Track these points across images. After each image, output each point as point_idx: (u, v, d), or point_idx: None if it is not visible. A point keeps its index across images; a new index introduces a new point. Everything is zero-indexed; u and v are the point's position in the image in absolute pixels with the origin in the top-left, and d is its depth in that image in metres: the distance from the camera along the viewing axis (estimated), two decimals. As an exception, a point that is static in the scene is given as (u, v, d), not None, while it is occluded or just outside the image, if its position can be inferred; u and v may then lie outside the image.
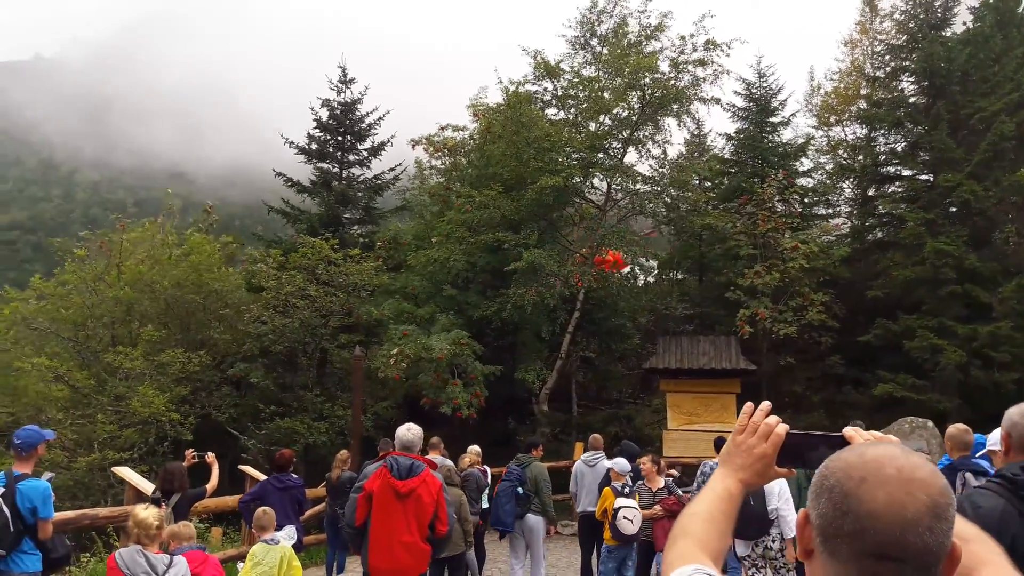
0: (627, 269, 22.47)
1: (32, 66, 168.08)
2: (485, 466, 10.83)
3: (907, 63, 23.24)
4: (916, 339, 19.12)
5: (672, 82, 20.59)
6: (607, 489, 8.67)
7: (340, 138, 24.78)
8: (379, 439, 12.01)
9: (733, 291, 19.74)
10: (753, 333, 19.30)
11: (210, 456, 7.97)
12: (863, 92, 26.50)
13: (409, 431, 6.20)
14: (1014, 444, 2.89)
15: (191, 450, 8.18)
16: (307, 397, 20.10)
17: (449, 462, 9.31)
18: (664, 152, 22.11)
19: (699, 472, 8.83)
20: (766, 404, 1.65)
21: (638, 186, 21.26)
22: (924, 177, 22.60)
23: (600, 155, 21.32)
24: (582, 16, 22.00)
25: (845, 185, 26.41)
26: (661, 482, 8.84)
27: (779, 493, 7.34)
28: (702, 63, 20.56)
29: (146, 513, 5.15)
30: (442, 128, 23.98)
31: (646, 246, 22.33)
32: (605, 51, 21.60)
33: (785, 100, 24.81)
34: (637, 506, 8.28)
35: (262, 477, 10.39)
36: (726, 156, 25.52)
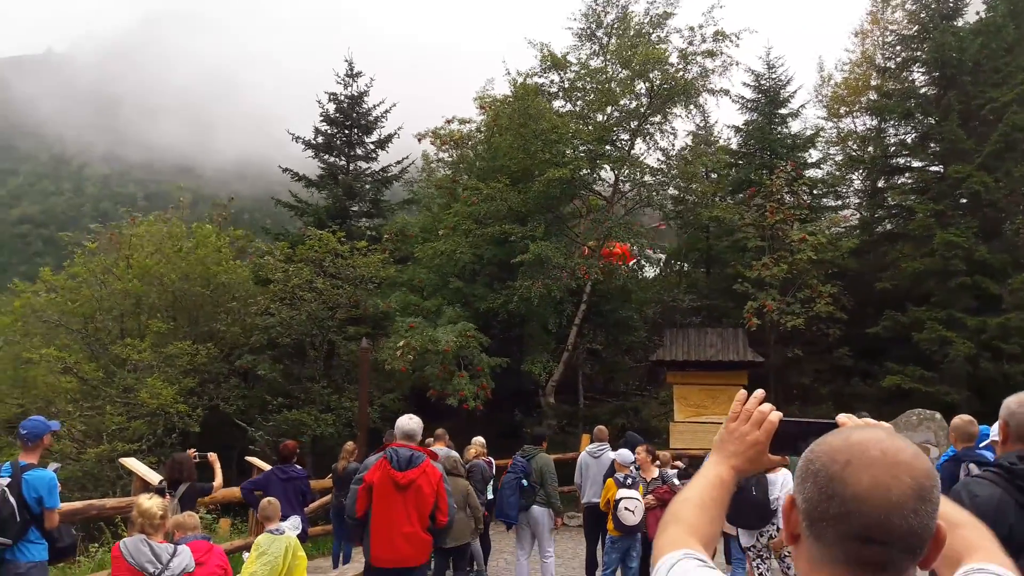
0: (634, 262, 22.45)
1: (44, 61, 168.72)
2: (490, 457, 10.85)
3: (918, 53, 23.08)
4: (925, 331, 19.04)
5: (681, 74, 20.49)
6: (610, 480, 8.67)
7: (347, 131, 24.84)
8: (385, 431, 12.03)
9: (741, 283, 19.68)
10: (761, 325, 19.26)
11: (212, 455, 8.01)
12: (873, 83, 26.35)
13: (410, 420, 6.20)
14: (1012, 433, 2.87)
15: (192, 450, 8.22)
16: (314, 389, 20.17)
17: (454, 453, 9.32)
18: (672, 144, 22.05)
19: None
20: (759, 392, 1.64)
21: (645, 177, 21.19)
22: (934, 168, 22.47)
23: (607, 147, 21.26)
24: (587, 7, 21.93)
25: (854, 176, 26.28)
26: (655, 472, 8.87)
27: (783, 483, 7.31)
28: (711, 54, 20.45)
29: (150, 503, 5.16)
30: (448, 121, 23.97)
31: (653, 238, 22.28)
32: (613, 41, 21.52)
33: (795, 91, 24.72)
34: (639, 497, 8.28)
35: (268, 468, 10.42)
36: (734, 148, 25.43)
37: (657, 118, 21.40)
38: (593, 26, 21.90)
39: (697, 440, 17.36)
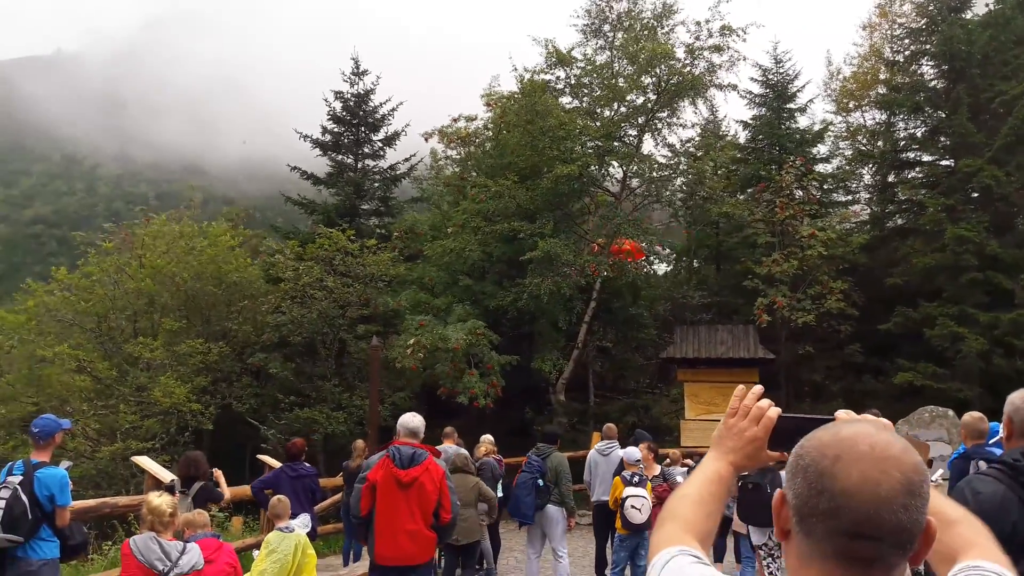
0: (644, 259, 22.41)
1: (53, 61, 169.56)
2: (499, 456, 10.85)
3: (927, 46, 22.93)
4: (937, 327, 18.92)
5: (688, 69, 20.43)
6: (617, 479, 8.67)
7: (354, 129, 24.93)
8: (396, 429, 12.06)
9: (751, 279, 19.62)
10: (771, 322, 19.20)
11: (217, 472, 8.06)
12: (882, 77, 26.19)
13: (413, 418, 6.22)
14: (1016, 429, 2.86)
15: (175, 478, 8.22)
16: (325, 387, 20.24)
17: (464, 451, 9.34)
18: (680, 140, 22.01)
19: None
20: (758, 388, 1.64)
21: (654, 173, 21.14)
22: (944, 162, 22.33)
23: (615, 143, 21.23)
24: (591, 3, 21.91)
25: (864, 171, 26.14)
26: (657, 469, 8.88)
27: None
28: (718, 49, 20.37)
29: (160, 500, 5.21)
30: (454, 120, 24.00)
31: (662, 234, 22.24)
32: (620, 36, 21.48)
33: (803, 86, 24.62)
34: (646, 495, 8.29)
35: (279, 466, 10.47)
36: (742, 143, 25.34)
37: (664, 113, 21.36)
38: (598, 21, 21.87)
39: (708, 438, 16.84)
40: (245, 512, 13.44)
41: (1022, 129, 19.52)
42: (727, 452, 1.59)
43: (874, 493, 1.08)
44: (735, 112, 56.86)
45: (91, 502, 7.99)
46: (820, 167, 24.09)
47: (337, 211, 23.76)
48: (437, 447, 9.74)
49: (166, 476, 8.37)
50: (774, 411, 1.58)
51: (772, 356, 19.03)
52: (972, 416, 5.88)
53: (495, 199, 19.87)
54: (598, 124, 21.08)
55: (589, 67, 21.37)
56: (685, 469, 9.78)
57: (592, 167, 20.78)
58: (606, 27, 21.89)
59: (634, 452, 8.91)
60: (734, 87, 21.71)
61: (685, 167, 21.66)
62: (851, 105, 28.26)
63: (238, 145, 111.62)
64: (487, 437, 10.77)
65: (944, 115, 21.53)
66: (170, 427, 18.37)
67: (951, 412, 14.57)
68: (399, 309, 20.06)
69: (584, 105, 21.68)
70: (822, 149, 25.16)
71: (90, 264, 22.02)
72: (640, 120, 21.30)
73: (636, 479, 8.48)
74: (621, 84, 20.83)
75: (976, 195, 20.84)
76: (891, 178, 24.48)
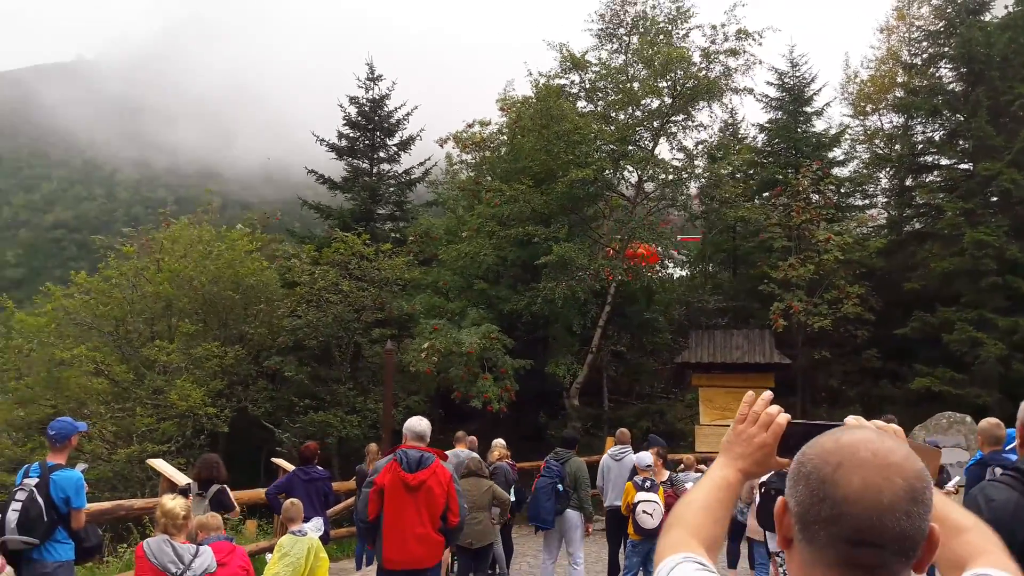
0: (659, 263, 22.35)
1: (74, 67, 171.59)
2: (512, 460, 10.83)
3: (945, 49, 22.75)
4: (955, 332, 18.74)
5: (704, 72, 20.39)
6: (629, 484, 8.64)
7: (370, 134, 25.07)
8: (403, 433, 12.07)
9: (767, 284, 19.52)
10: (787, 326, 19.09)
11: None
12: (900, 80, 26.01)
13: (420, 422, 6.24)
14: (1030, 436, 2.81)
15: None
16: (340, 391, 20.31)
17: (476, 455, 9.34)
18: (695, 144, 21.94)
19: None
20: (767, 394, 1.63)
21: (669, 176, 21.09)
22: (963, 166, 22.14)
23: (630, 147, 21.20)
24: (606, 8, 21.91)
25: (881, 175, 25.97)
26: (665, 475, 8.84)
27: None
28: (734, 53, 20.34)
29: (173, 503, 5.24)
30: (469, 125, 24.07)
31: (678, 238, 22.18)
32: (635, 40, 21.47)
33: (819, 89, 24.50)
34: (658, 500, 8.25)
35: (292, 469, 10.51)
36: (759, 147, 25.24)
37: (680, 117, 21.32)
38: (612, 25, 21.88)
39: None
40: (259, 515, 13.48)
41: (1042, 132, 19.32)
42: (736, 458, 1.58)
43: (876, 500, 1.07)
44: (751, 116, 56.75)
45: (106, 504, 8.04)
46: (837, 171, 23.95)
47: (353, 215, 23.89)
48: (448, 451, 9.78)
49: (181, 479, 8.42)
50: (783, 417, 1.56)
51: (788, 361, 18.91)
52: (989, 422, 5.82)
53: (510, 203, 19.89)
54: (613, 128, 21.07)
55: (604, 71, 21.37)
56: (698, 475, 9.73)
57: (607, 171, 20.76)
58: (621, 31, 21.90)
59: (646, 457, 8.89)
60: (750, 91, 21.68)
61: (701, 170, 21.60)
62: (868, 108, 28.08)
63: (254, 150, 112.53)
64: (499, 441, 10.76)
65: (963, 118, 21.35)
66: (186, 430, 18.47)
67: (969, 418, 14.44)
68: (413, 313, 20.11)
69: (599, 109, 21.67)
70: (838, 153, 25.03)
71: (110, 268, 22.22)
72: (655, 124, 21.27)
73: (648, 484, 8.45)
74: (636, 88, 20.81)
75: (995, 199, 20.65)
76: (909, 182, 24.30)
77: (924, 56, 23.94)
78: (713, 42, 20.43)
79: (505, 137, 23.11)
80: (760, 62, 20.78)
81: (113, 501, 8.84)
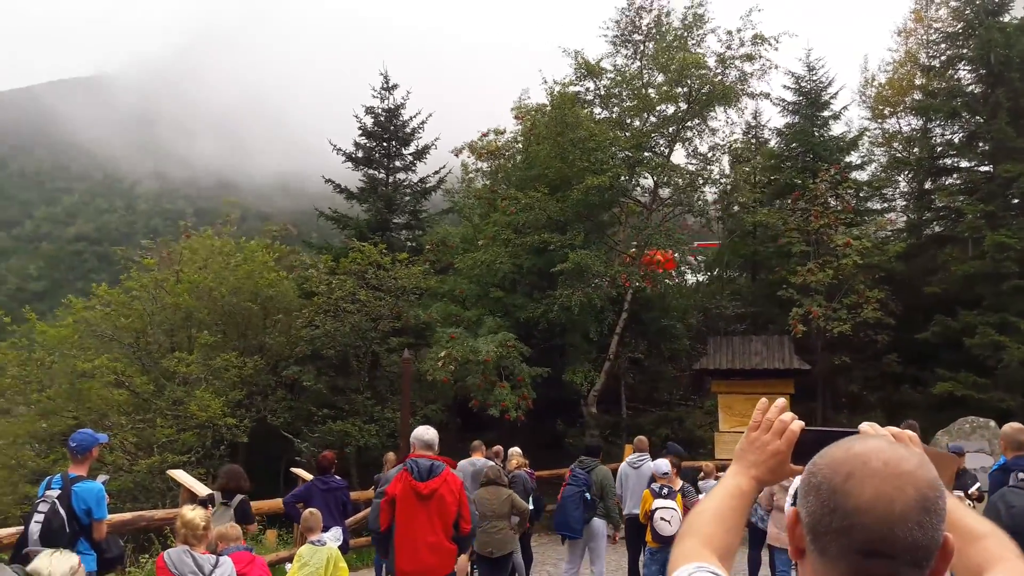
0: (676, 269, 22.28)
1: (95, 82, 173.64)
2: (530, 468, 10.81)
3: (964, 51, 22.58)
4: (977, 336, 18.53)
5: (719, 78, 20.35)
6: (646, 491, 8.60)
7: (385, 144, 25.18)
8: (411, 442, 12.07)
9: (785, 289, 19.39)
10: (807, 332, 18.95)
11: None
12: (918, 82, 25.83)
13: (428, 431, 6.26)
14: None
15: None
16: (358, 400, 20.38)
17: (493, 463, 9.33)
18: (711, 150, 21.89)
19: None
20: (781, 401, 1.62)
21: (685, 181, 21.04)
22: (983, 168, 21.95)
23: (646, 153, 21.17)
24: (620, 14, 21.93)
25: (900, 178, 25.77)
26: (679, 483, 8.77)
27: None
28: (749, 58, 20.30)
29: (193, 514, 5.27)
30: (483, 134, 24.14)
31: (696, 243, 22.11)
32: (651, 46, 21.46)
33: (836, 93, 24.36)
34: (676, 507, 8.20)
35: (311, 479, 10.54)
36: (776, 150, 25.13)
37: (696, 122, 21.28)
38: (628, 32, 21.89)
39: (742, 450, 17.07)
40: (279, 525, 13.53)
41: (1063, 133, 19.11)
42: (749, 466, 1.57)
43: (888, 510, 1.06)
44: (768, 120, 56.48)
45: (127, 515, 8.12)
46: (855, 174, 23.78)
47: (369, 225, 24.01)
48: (465, 460, 9.78)
49: (201, 490, 8.48)
50: (797, 424, 1.55)
51: (808, 367, 18.75)
52: (1012, 427, 5.74)
53: (525, 211, 19.91)
54: (628, 134, 21.05)
55: (619, 78, 21.37)
56: (714, 481, 9.68)
57: (622, 177, 20.73)
58: (636, 36, 21.90)
59: (663, 464, 8.84)
60: (766, 95, 21.60)
61: (718, 175, 21.54)
62: (886, 111, 27.90)
63: (270, 162, 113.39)
64: (516, 450, 10.74)
65: (982, 120, 21.16)
66: (206, 440, 18.59)
67: (992, 423, 14.26)
68: (430, 322, 20.16)
69: (614, 116, 21.67)
70: (856, 157, 24.85)
71: (131, 280, 22.46)
72: (671, 130, 21.24)
73: (665, 491, 8.41)
74: (651, 94, 20.79)
75: (1016, 201, 20.45)
76: (928, 185, 24.09)
77: (942, 58, 23.77)
78: (729, 47, 20.43)
79: (520, 145, 23.16)
80: (776, 67, 20.76)
81: (134, 512, 8.92)
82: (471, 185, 25.79)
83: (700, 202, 21.58)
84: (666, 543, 8.24)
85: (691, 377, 22.85)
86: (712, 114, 21.32)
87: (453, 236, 24.43)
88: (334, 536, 7.34)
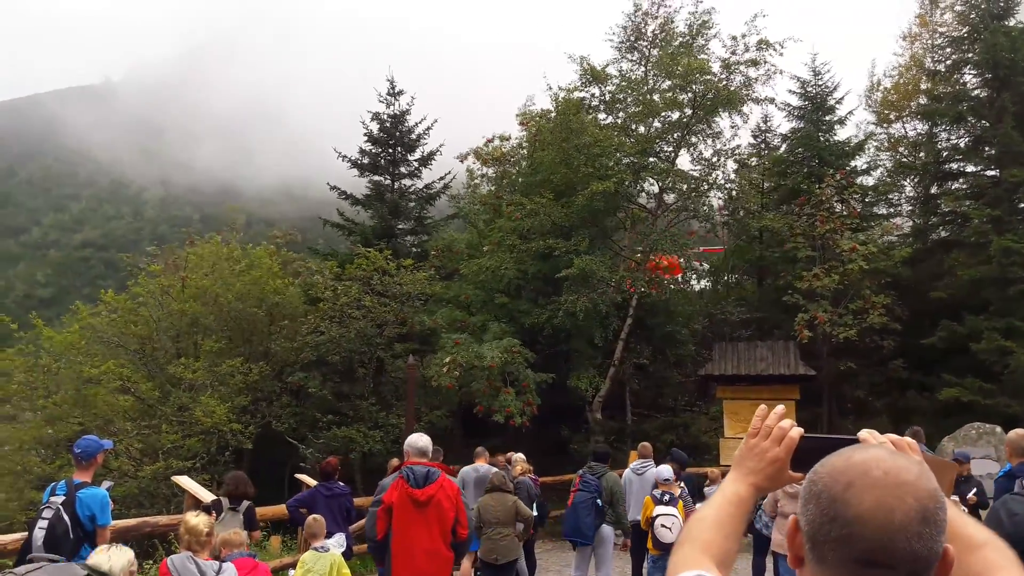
0: (682, 275, 22.26)
1: (102, 90, 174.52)
2: (535, 475, 10.80)
3: (969, 55, 22.56)
4: (983, 341, 18.46)
5: (724, 83, 20.34)
6: (648, 498, 8.58)
7: (391, 150, 25.20)
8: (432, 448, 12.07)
9: (791, 295, 19.34)
10: (812, 337, 18.89)
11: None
12: (923, 87, 25.78)
13: (421, 438, 6.27)
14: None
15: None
16: (363, 406, 20.38)
17: (498, 469, 9.31)
18: (713, 153, 21.88)
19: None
20: (780, 407, 1.61)
21: (690, 186, 21.03)
22: (989, 173, 21.91)
23: (651, 159, 21.17)
24: (626, 20, 21.97)
25: (906, 183, 25.70)
26: (678, 491, 8.74)
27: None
28: (754, 63, 20.28)
29: (197, 520, 5.28)
30: (488, 140, 24.17)
31: (699, 248, 22.08)
32: (655, 52, 21.48)
33: (842, 98, 24.32)
34: (677, 514, 8.18)
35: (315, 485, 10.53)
36: (782, 155, 25.10)
37: (701, 126, 21.28)
38: (633, 37, 21.92)
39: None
40: (283, 531, 13.53)
41: (1070, 137, 19.06)
42: (748, 473, 1.57)
43: (888, 520, 1.06)
44: (773, 125, 56.41)
45: (132, 521, 8.12)
46: (861, 179, 23.73)
47: (374, 231, 24.04)
48: (468, 466, 9.77)
49: (205, 496, 8.49)
50: (796, 431, 1.55)
51: (813, 373, 18.69)
52: (1017, 434, 5.72)
53: (530, 217, 19.92)
54: (633, 140, 21.06)
55: (624, 83, 21.39)
56: (713, 488, 9.65)
57: (627, 183, 20.74)
58: (642, 43, 21.92)
59: (665, 470, 8.83)
60: (771, 100, 21.58)
61: (723, 180, 21.53)
62: (892, 116, 27.85)
63: (275, 168, 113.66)
64: (519, 456, 10.73)
65: (988, 124, 21.13)
66: (211, 446, 18.61)
67: (999, 429, 14.20)
68: (435, 327, 20.15)
69: (619, 121, 21.68)
70: (862, 162, 24.81)
71: (138, 286, 22.54)
72: (675, 135, 21.24)
73: (667, 498, 8.38)
74: (656, 100, 20.80)
75: (1023, 205, 20.36)
76: (934, 190, 24.05)
77: (948, 62, 23.74)
78: (734, 53, 20.41)
79: (525, 151, 23.18)
80: (781, 72, 20.73)
81: (139, 518, 8.93)
82: (476, 191, 25.82)
83: (705, 207, 21.55)
84: (667, 550, 8.21)
85: (696, 383, 22.79)
86: (717, 119, 21.32)
87: (458, 242, 24.43)
88: (338, 542, 7.34)
